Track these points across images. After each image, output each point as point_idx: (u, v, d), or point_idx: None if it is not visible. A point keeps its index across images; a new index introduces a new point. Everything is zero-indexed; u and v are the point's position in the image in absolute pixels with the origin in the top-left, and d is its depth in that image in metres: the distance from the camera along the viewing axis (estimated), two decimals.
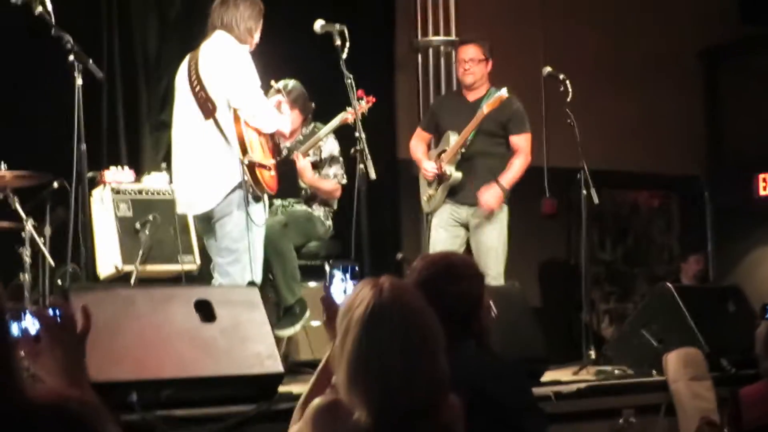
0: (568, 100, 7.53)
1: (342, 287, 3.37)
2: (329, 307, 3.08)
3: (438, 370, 2.57)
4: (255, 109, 6.16)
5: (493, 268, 7.29)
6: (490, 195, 7.37)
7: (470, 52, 7.61)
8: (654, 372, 6.72)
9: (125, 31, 8.52)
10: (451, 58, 9.17)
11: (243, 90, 6.13)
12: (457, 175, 7.48)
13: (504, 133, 7.54)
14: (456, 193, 7.54)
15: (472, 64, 7.57)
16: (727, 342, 6.87)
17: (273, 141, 6.57)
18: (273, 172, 6.32)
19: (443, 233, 7.54)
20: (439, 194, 7.57)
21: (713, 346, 6.74)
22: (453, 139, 7.48)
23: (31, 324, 2.35)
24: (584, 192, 7.47)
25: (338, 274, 3.30)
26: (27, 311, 2.35)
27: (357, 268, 3.53)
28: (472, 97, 7.64)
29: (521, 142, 7.55)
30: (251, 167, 6.09)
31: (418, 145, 7.87)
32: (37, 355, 2.35)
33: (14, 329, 2.32)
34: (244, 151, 6.09)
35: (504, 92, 7.31)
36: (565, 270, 10.50)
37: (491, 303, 5.20)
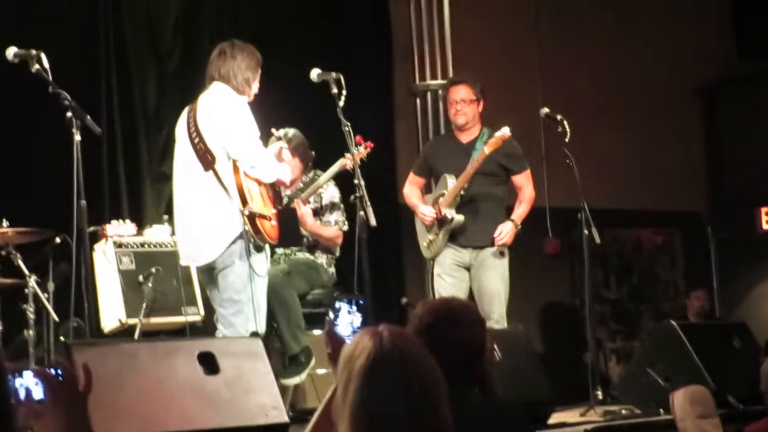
0: (567, 140, 7.54)
1: (349, 319, 3.36)
2: (334, 341, 3.08)
3: (441, 418, 2.55)
4: (254, 160, 6.18)
5: (496, 311, 7.26)
6: (506, 232, 7.33)
7: (461, 92, 7.57)
8: (661, 411, 6.69)
9: (124, 84, 8.56)
10: None
11: (241, 141, 6.14)
12: (459, 218, 7.41)
13: (502, 173, 7.52)
14: (458, 237, 7.48)
15: (463, 105, 7.53)
16: (734, 379, 6.85)
17: (273, 190, 6.57)
18: (274, 222, 6.32)
19: (448, 280, 7.47)
20: (440, 239, 7.50)
21: (720, 384, 6.71)
22: (450, 182, 7.43)
23: (32, 382, 2.35)
24: (585, 232, 7.47)
25: (344, 307, 3.29)
26: (28, 370, 2.36)
27: (363, 302, 3.53)
28: (465, 138, 7.61)
29: (524, 180, 7.56)
30: (252, 218, 6.09)
31: (412, 190, 7.82)
32: (40, 415, 2.35)
33: (16, 386, 2.32)
34: (245, 202, 6.09)
35: (506, 131, 7.26)
36: (570, 310, 10.49)
37: (494, 347, 5.20)
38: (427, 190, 7.89)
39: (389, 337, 2.55)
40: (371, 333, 2.58)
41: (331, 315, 3.12)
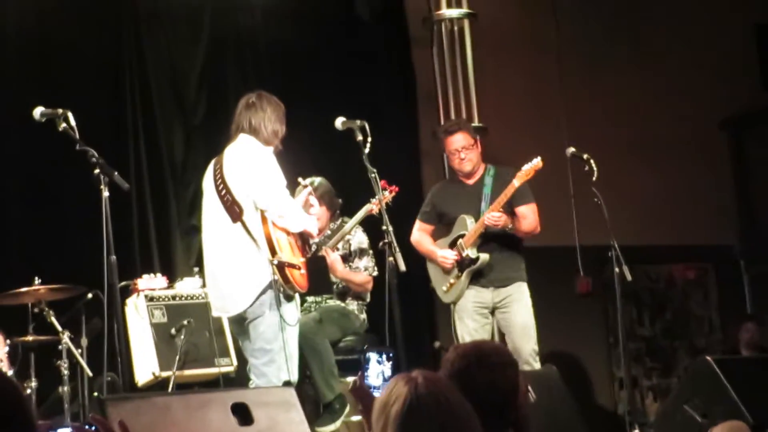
0: (594, 179, 7.51)
1: (378, 370, 3.35)
2: (363, 397, 3.07)
3: None
4: (281, 210, 6.19)
5: (527, 346, 7.20)
6: (501, 216, 7.21)
7: (460, 140, 7.46)
8: None
9: (151, 139, 8.63)
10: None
11: (269, 191, 6.16)
12: (485, 256, 7.33)
13: (510, 209, 7.38)
14: (478, 277, 7.41)
15: (466, 152, 7.44)
16: None
17: (302, 239, 6.58)
18: (303, 271, 6.33)
19: (471, 324, 7.40)
20: (462, 281, 7.42)
21: (758, 418, 6.62)
22: (470, 222, 7.35)
23: None
24: (617, 270, 7.43)
25: (374, 357, 3.28)
26: (65, 427, 2.36)
27: (392, 354, 3.51)
28: (471, 180, 7.55)
29: (528, 211, 7.42)
30: (281, 267, 6.10)
31: (423, 237, 7.69)
32: None
33: None
34: (273, 252, 6.11)
35: (538, 162, 7.19)
36: (604, 348, 10.43)
37: (529, 388, 5.17)
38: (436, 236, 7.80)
39: (424, 382, 2.55)
40: (406, 379, 2.59)
41: (369, 355, 3.13)
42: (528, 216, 7.41)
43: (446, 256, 7.45)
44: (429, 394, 2.54)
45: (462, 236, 7.40)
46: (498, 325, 7.45)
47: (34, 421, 2.12)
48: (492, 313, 7.45)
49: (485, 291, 7.42)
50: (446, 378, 3.43)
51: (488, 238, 7.37)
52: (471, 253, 7.35)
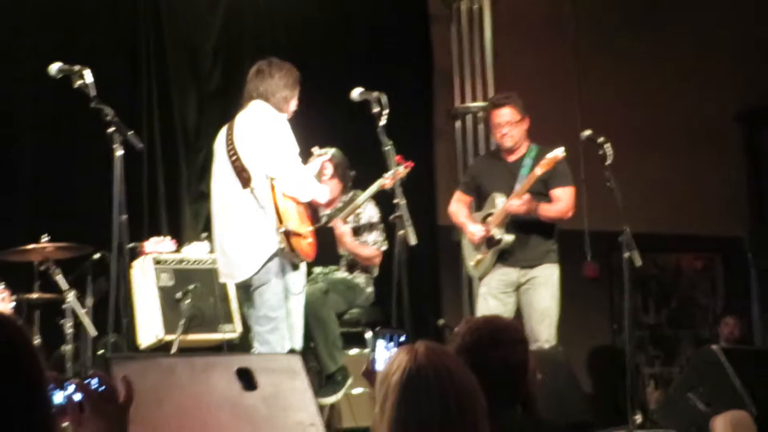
0: (608, 163, 7.46)
1: (387, 356, 3.33)
2: (373, 380, 3.06)
3: (478, 429, 2.53)
4: (291, 179, 6.17)
5: (545, 332, 7.13)
6: (524, 203, 7.12)
7: (506, 114, 7.37)
8: None
9: (164, 103, 8.62)
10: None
11: (279, 159, 6.14)
12: (509, 238, 7.26)
13: (547, 191, 7.33)
14: (506, 257, 7.34)
15: (510, 127, 7.35)
16: None
17: (311, 208, 6.56)
18: (311, 240, 6.32)
19: (492, 302, 7.32)
20: (488, 258, 7.36)
21: (761, 409, 6.62)
22: (500, 201, 7.27)
23: (73, 393, 2.33)
24: (626, 255, 7.38)
25: (381, 343, 3.26)
26: (70, 382, 2.33)
27: (404, 337, 3.49)
28: (512, 157, 7.45)
29: (564, 194, 7.34)
30: (288, 235, 6.09)
31: (459, 208, 7.66)
32: (82, 425, 2.33)
33: (58, 398, 2.31)
34: (281, 220, 6.09)
35: (560, 152, 7.10)
36: (608, 334, 10.43)
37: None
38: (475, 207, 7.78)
39: (424, 352, 2.55)
40: (407, 349, 2.58)
41: (378, 341, 3.12)
42: (561, 199, 7.32)
43: (474, 231, 7.39)
44: (429, 364, 2.53)
45: (491, 214, 7.33)
46: (519, 304, 7.35)
47: (43, 368, 2.10)
48: (516, 291, 7.36)
49: (512, 270, 7.35)
50: (456, 351, 3.42)
51: (517, 219, 7.26)
52: (496, 232, 7.28)
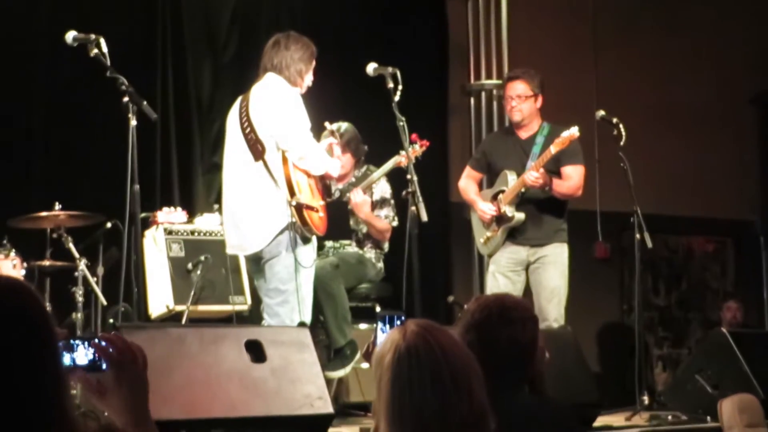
0: (622, 144, 7.45)
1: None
2: None
3: (475, 404, 2.52)
4: (303, 151, 6.17)
5: (554, 311, 7.10)
6: (540, 174, 7.07)
7: (518, 88, 7.35)
8: (708, 418, 6.62)
9: (180, 74, 8.60)
10: None
11: (291, 132, 6.14)
12: (520, 216, 7.22)
13: (557, 169, 7.28)
14: (516, 234, 7.31)
15: (519, 101, 7.32)
16: None
17: (323, 182, 6.56)
18: (322, 214, 6.32)
19: (502, 279, 7.30)
20: (498, 236, 7.33)
21: None
22: (511, 178, 7.24)
23: (83, 356, 2.32)
24: (637, 236, 7.38)
25: (380, 325, 3.26)
26: (81, 343, 2.31)
27: (403, 319, 3.48)
28: (524, 134, 7.41)
29: (574, 172, 7.29)
30: (299, 209, 6.09)
31: (469, 184, 7.63)
32: (103, 393, 2.32)
33: (71, 358, 2.30)
34: (292, 193, 6.09)
35: (575, 131, 7.04)
36: (618, 315, 10.43)
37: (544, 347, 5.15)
38: (487, 184, 7.77)
39: (415, 329, 2.55)
40: (399, 329, 2.59)
41: (379, 324, 3.13)
42: (572, 177, 7.27)
43: (485, 210, 7.36)
44: (419, 339, 2.53)
45: (502, 192, 7.30)
46: (529, 283, 7.34)
47: (55, 330, 2.11)
48: (526, 270, 7.34)
49: (521, 249, 7.32)
50: (464, 328, 3.43)
51: (528, 197, 7.24)
52: (507, 210, 7.24)
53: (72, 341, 2.28)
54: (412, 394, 2.47)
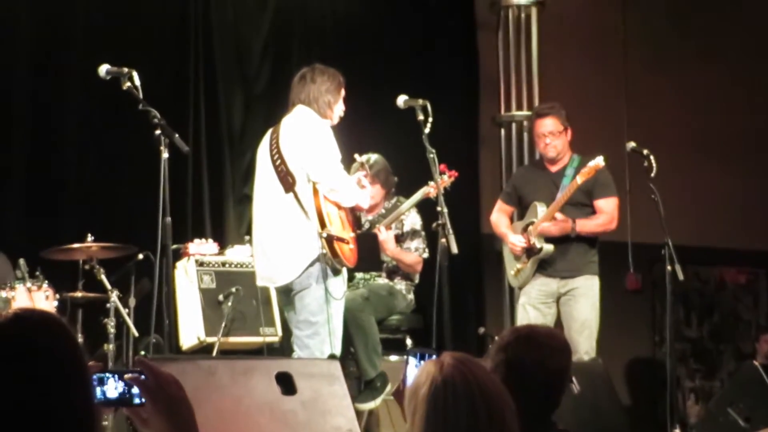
0: (652, 175, 7.43)
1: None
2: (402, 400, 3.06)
3: None
4: (334, 183, 6.19)
5: (585, 344, 7.08)
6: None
7: (548, 124, 7.37)
8: None
9: (211, 106, 8.65)
10: None
11: (322, 164, 6.16)
12: (549, 247, 7.23)
13: (590, 202, 7.32)
14: (546, 267, 7.33)
15: (552, 138, 7.34)
16: None
17: (353, 214, 6.58)
18: (352, 246, 6.34)
19: (532, 312, 7.31)
20: (528, 268, 7.35)
21: None
22: (541, 210, 7.26)
23: (113, 389, 2.32)
24: (669, 268, 7.35)
25: (413, 361, 3.26)
26: (111, 376, 2.32)
27: (434, 356, 3.48)
28: (554, 168, 7.44)
29: (606, 205, 7.30)
30: (330, 240, 6.10)
31: (500, 218, 7.66)
32: (146, 421, 2.32)
33: (107, 391, 2.30)
34: (323, 225, 6.11)
35: (600, 161, 7.06)
36: (649, 347, 10.37)
37: (573, 379, 5.15)
38: (518, 217, 7.76)
39: (452, 362, 2.55)
40: (434, 362, 2.58)
41: (409, 358, 3.13)
42: (605, 211, 7.29)
43: (515, 242, 7.38)
44: (456, 373, 2.53)
45: (532, 223, 7.32)
46: (560, 315, 7.33)
47: (85, 359, 2.12)
48: (557, 302, 7.34)
49: (552, 281, 7.33)
50: (493, 350, 3.44)
51: None
52: (537, 242, 7.26)
53: (102, 375, 2.29)
54: (446, 428, 2.47)
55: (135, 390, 2.30)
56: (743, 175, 10.80)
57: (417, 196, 7.30)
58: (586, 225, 7.24)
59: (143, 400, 2.29)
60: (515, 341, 3.44)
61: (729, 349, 11.03)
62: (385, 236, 7.32)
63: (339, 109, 6.42)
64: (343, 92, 6.44)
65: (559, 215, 7.16)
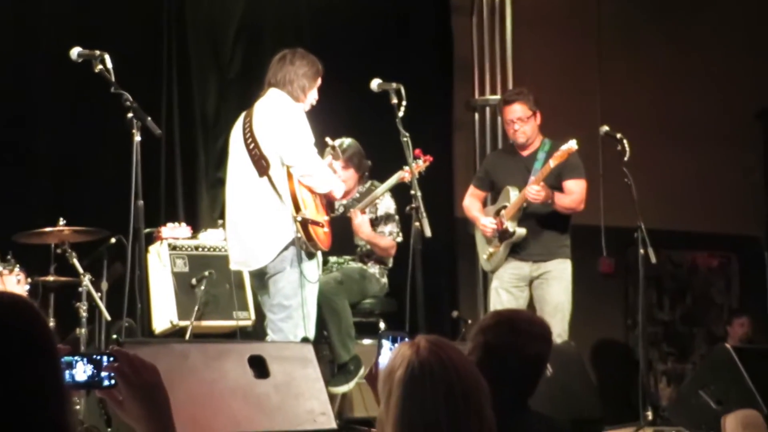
0: (626, 159, 7.46)
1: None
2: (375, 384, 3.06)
3: (484, 422, 2.53)
4: (308, 168, 6.18)
5: (557, 327, 6.98)
6: (541, 188, 7.11)
7: (517, 111, 7.36)
8: None
9: (184, 89, 8.62)
10: None
11: (296, 148, 6.15)
12: (521, 231, 7.26)
13: (560, 184, 7.32)
14: (519, 250, 7.35)
15: (521, 123, 7.35)
16: None
17: (326, 198, 6.57)
18: (326, 229, 6.33)
19: (504, 295, 7.33)
20: (501, 252, 7.37)
21: None
22: (513, 194, 7.28)
23: (81, 372, 2.32)
24: (641, 251, 7.39)
25: (386, 344, 3.25)
26: (80, 359, 2.31)
27: (407, 339, 3.48)
28: (525, 152, 7.45)
29: (576, 186, 7.31)
30: (304, 224, 6.10)
31: (473, 203, 7.68)
32: (121, 404, 2.32)
33: (77, 374, 2.30)
34: (297, 208, 6.10)
35: (573, 144, 7.06)
36: (622, 330, 10.41)
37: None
38: (491, 202, 7.78)
39: (427, 345, 2.54)
40: (409, 344, 2.58)
41: (383, 341, 3.13)
42: (574, 192, 7.30)
43: (486, 224, 7.41)
44: (432, 356, 2.52)
45: (505, 207, 7.34)
46: (533, 299, 7.36)
47: (55, 341, 2.11)
48: (529, 285, 7.37)
49: (524, 264, 7.36)
50: (474, 332, 3.45)
51: (530, 212, 7.29)
52: (510, 225, 7.28)
53: (71, 358, 2.28)
54: (424, 411, 2.47)
55: (104, 373, 2.30)
56: (716, 159, 10.84)
57: (392, 180, 7.29)
58: (562, 198, 7.26)
59: (113, 382, 2.29)
60: (496, 325, 3.44)
61: (701, 332, 11.08)
62: (360, 220, 7.31)
63: (312, 96, 6.40)
64: (319, 81, 6.43)
65: (536, 187, 7.14)
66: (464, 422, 2.48)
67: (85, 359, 2.30)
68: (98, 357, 2.31)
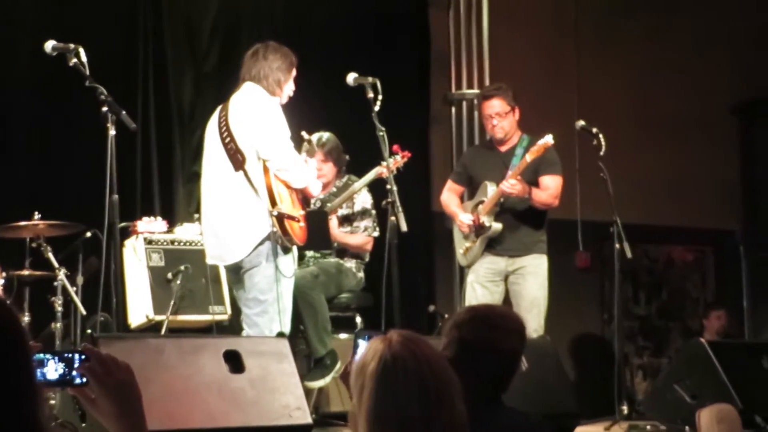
0: (602, 153, 7.48)
1: None
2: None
3: (456, 415, 2.53)
4: (284, 162, 6.17)
5: (533, 322, 7.07)
6: (518, 181, 7.11)
7: (495, 106, 7.38)
8: (687, 428, 6.62)
9: (160, 84, 8.58)
10: None
11: (272, 141, 6.13)
12: (498, 226, 7.28)
13: (536, 179, 7.34)
14: (495, 245, 7.36)
15: (500, 119, 7.36)
16: (762, 398, 6.77)
17: (302, 193, 6.56)
18: (302, 224, 6.32)
19: (480, 290, 7.34)
20: (477, 246, 7.38)
21: (747, 403, 6.64)
22: (491, 189, 7.29)
23: (53, 371, 2.31)
24: (617, 246, 7.41)
25: (363, 344, 3.25)
26: (51, 358, 2.31)
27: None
28: (503, 147, 7.47)
29: (552, 182, 7.33)
30: (280, 218, 6.09)
31: (450, 198, 7.69)
32: (93, 401, 2.32)
33: (48, 372, 2.29)
34: (273, 203, 6.09)
35: (549, 139, 7.08)
36: (598, 324, 10.44)
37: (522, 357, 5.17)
38: (468, 197, 7.79)
39: (399, 339, 2.55)
40: (381, 338, 2.58)
41: (359, 341, 3.12)
42: (550, 187, 7.32)
43: (463, 220, 7.43)
44: (404, 350, 2.53)
45: (482, 202, 7.35)
46: (508, 294, 7.37)
47: (27, 339, 2.10)
48: (505, 281, 7.39)
49: (500, 259, 7.37)
50: (448, 328, 3.44)
51: (507, 208, 7.31)
52: (486, 220, 7.30)
53: (42, 356, 2.27)
54: (397, 404, 2.47)
55: (75, 372, 2.29)
56: (692, 154, 10.88)
57: (370, 175, 7.30)
58: (538, 194, 7.27)
59: (84, 380, 2.28)
60: (470, 320, 3.44)
61: (677, 326, 11.13)
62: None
63: (288, 89, 6.39)
64: (294, 72, 6.41)
65: (512, 180, 7.14)
66: (436, 416, 2.48)
67: (56, 357, 2.29)
68: (70, 355, 2.30)
